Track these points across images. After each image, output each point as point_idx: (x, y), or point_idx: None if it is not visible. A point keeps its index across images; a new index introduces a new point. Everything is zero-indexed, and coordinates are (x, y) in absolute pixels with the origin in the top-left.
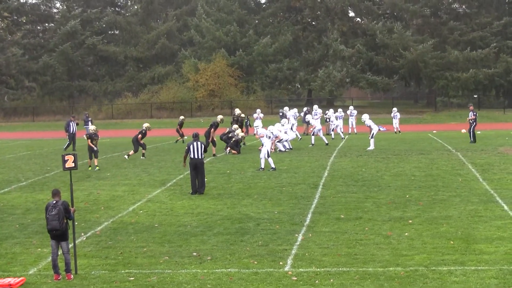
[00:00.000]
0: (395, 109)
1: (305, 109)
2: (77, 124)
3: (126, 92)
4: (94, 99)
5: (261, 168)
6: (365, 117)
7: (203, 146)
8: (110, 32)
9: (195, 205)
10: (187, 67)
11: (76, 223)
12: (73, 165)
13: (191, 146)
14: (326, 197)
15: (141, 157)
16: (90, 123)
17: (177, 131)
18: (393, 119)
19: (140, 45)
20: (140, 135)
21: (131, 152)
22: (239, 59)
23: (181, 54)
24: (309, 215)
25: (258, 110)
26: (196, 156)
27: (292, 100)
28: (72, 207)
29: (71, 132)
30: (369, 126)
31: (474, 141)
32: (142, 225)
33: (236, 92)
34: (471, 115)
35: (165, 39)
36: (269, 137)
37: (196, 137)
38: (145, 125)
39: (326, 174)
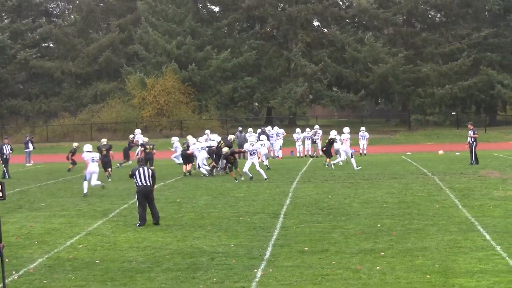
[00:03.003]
0: (363, 128)
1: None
2: (11, 149)
3: (63, 111)
4: (27, 120)
5: (266, 179)
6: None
7: (150, 171)
8: (44, 45)
9: (141, 238)
10: (132, 83)
11: (7, 260)
12: (0, 194)
13: (137, 172)
14: (288, 228)
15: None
16: (31, 145)
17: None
18: (360, 140)
19: (79, 59)
20: (70, 154)
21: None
22: (191, 74)
23: (123, 70)
24: (269, 248)
25: (207, 131)
26: (144, 183)
27: (249, 119)
28: (1, 242)
29: (5, 157)
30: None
31: (477, 162)
32: (81, 261)
33: (187, 111)
34: (471, 134)
35: (110, 52)
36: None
37: (141, 161)
38: (74, 144)
39: (288, 201)
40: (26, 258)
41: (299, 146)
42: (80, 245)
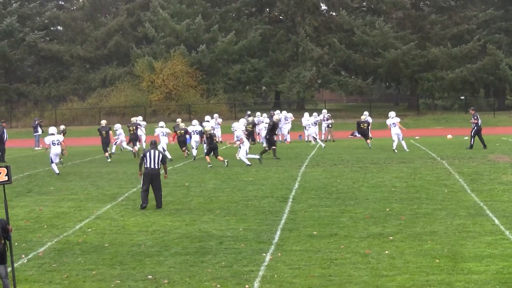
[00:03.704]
0: (366, 113)
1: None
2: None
3: (71, 95)
4: (35, 104)
5: (248, 164)
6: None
7: (160, 155)
8: (52, 28)
9: (150, 222)
10: (141, 66)
11: (16, 243)
12: (6, 178)
13: (148, 154)
14: (297, 212)
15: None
16: (40, 129)
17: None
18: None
19: (88, 43)
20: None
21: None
22: (200, 57)
23: (133, 52)
24: (278, 232)
25: (216, 115)
26: (152, 166)
27: (257, 103)
28: (9, 225)
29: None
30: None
31: (484, 146)
32: (90, 245)
33: (196, 95)
34: (472, 119)
35: (120, 36)
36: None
37: (153, 144)
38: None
39: (296, 186)
40: (35, 241)
41: (307, 131)
42: (89, 229)
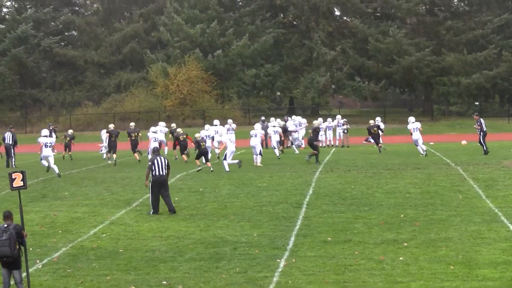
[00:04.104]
0: (378, 118)
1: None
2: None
3: (86, 101)
4: (50, 109)
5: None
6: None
7: (166, 161)
8: (67, 33)
9: (164, 228)
10: (155, 71)
11: (31, 249)
12: (21, 183)
13: (155, 162)
14: (311, 218)
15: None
16: (54, 134)
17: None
18: None
19: (102, 48)
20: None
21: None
22: (215, 62)
23: (147, 57)
24: (292, 238)
25: (230, 121)
26: (160, 173)
27: (272, 109)
28: (24, 231)
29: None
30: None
31: (485, 153)
32: (104, 251)
33: (210, 100)
34: (476, 125)
35: (135, 42)
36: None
37: (157, 151)
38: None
39: (310, 191)
40: (50, 247)
41: (321, 136)
42: (104, 234)
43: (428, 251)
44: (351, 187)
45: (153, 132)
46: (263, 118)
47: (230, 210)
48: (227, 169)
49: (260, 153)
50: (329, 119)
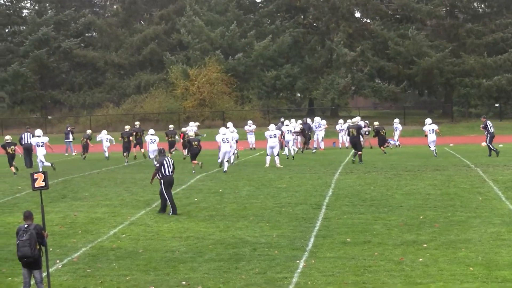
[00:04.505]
0: (396, 120)
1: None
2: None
3: (106, 102)
4: (70, 109)
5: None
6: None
7: (172, 161)
8: (87, 34)
9: (184, 228)
10: (174, 73)
11: (51, 249)
12: (43, 184)
13: (165, 162)
14: (331, 219)
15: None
16: (71, 135)
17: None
18: (394, 132)
19: (123, 49)
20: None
21: None
22: (236, 64)
23: (166, 59)
24: (312, 239)
25: (250, 122)
26: (169, 173)
27: (291, 110)
28: (45, 231)
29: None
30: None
31: (489, 154)
32: (124, 251)
33: (229, 101)
34: (481, 127)
35: (155, 44)
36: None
37: (163, 152)
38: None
39: (330, 193)
40: (70, 247)
41: (341, 137)
42: (123, 235)
43: (447, 252)
44: (371, 189)
45: (151, 134)
46: (282, 119)
47: (249, 211)
48: (225, 169)
49: (277, 154)
50: (349, 121)
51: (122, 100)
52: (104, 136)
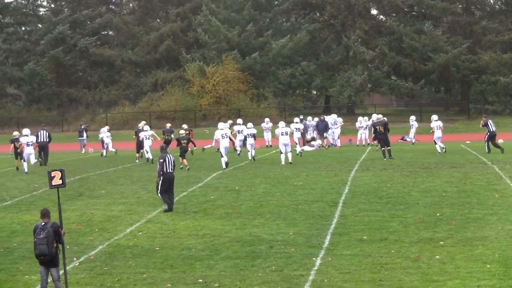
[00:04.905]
0: (412, 117)
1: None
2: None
3: (122, 100)
4: (87, 107)
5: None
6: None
7: (173, 158)
8: (104, 33)
9: (200, 226)
10: (191, 70)
11: (68, 247)
12: (60, 182)
13: (166, 159)
14: (347, 216)
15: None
16: (85, 133)
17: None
18: (410, 129)
19: (139, 47)
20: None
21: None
22: (253, 62)
23: (182, 57)
24: (328, 237)
25: (267, 119)
26: (170, 170)
27: (307, 107)
28: (62, 229)
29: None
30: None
31: (488, 151)
32: (141, 249)
33: (245, 99)
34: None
35: (171, 40)
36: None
37: (165, 149)
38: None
39: (346, 190)
40: (86, 245)
41: (360, 135)
42: (140, 233)
43: (464, 249)
44: (387, 186)
45: (144, 130)
46: (301, 117)
47: (266, 208)
48: (224, 166)
49: (290, 150)
50: (366, 118)
51: (138, 98)
52: (104, 134)
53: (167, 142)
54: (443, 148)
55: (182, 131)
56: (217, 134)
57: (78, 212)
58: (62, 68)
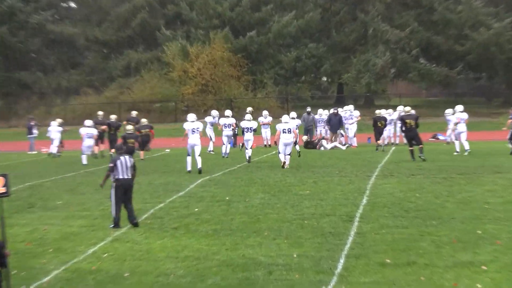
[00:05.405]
0: (449, 110)
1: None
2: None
3: (85, 87)
4: (41, 97)
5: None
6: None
7: (131, 161)
8: (63, 5)
9: (181, 246)
10: (172, 51)
11: (15, 271)
12: (3, 190)
13: (118, 162)
14: (365, 234)
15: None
16: (35, 130)
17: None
18: (448, 125)
19: (107, 23)
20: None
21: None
22: (248, 42)
23: (161, 33)
24: (342, 260)
25: (266, 112)
26: (124, 176)
27: (315, 97)
28: (6, 249)
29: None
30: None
31: None
32: (106, 274)
33: (238, 87)
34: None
35: (147, 13)
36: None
37: (120, 149)
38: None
39: (364, 201)
40: (38, 269)
41: (386, 131)
42: (105, 254)
43: None
44: (416, 196)
45: (87, 126)
46: (308, 109)
47: (263, 224)
48: (199, 165)
49: (289, 153)
50: (390, 111)
51: (105, 86)
52: (53, 128)
53: (145, 141)
54: (467, 150)
55: (129, 127)
56: (186, 126)
57: (28, 228)
58: (9, 49)
